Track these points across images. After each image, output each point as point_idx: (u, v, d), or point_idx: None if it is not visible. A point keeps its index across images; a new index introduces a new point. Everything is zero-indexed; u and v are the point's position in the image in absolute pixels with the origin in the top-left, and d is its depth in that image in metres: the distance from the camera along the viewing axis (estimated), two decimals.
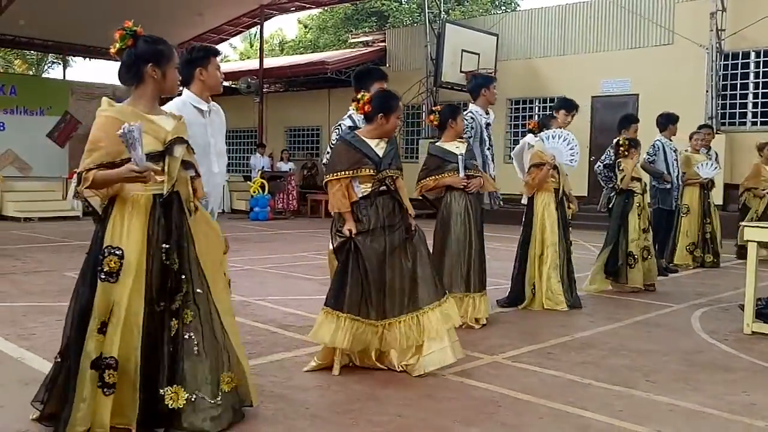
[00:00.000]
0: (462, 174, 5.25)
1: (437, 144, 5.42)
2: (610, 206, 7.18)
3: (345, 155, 4.10)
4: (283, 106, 21.26)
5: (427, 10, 17.22)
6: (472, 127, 5.67)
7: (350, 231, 4.01)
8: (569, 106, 6.62)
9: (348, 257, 3.99)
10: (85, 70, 37.93)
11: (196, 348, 3.03)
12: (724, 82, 13.67)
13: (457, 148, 5.32)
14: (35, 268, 7.96)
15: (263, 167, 17.33)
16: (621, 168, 7.03)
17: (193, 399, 3.00)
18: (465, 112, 5.72)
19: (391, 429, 3.22)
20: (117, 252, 2.96)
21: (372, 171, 4.05)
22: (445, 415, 3.42)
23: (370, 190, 4.07)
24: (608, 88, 15.16)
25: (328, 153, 4.92)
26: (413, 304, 4.05)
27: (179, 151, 3.08)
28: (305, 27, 31.89)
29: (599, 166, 7.52)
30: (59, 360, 3.09)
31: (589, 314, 5.91)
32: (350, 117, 4.94)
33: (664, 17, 14.40)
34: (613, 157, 7.38)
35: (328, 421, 3.31)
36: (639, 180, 7.11)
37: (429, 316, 4.01)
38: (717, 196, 10.57)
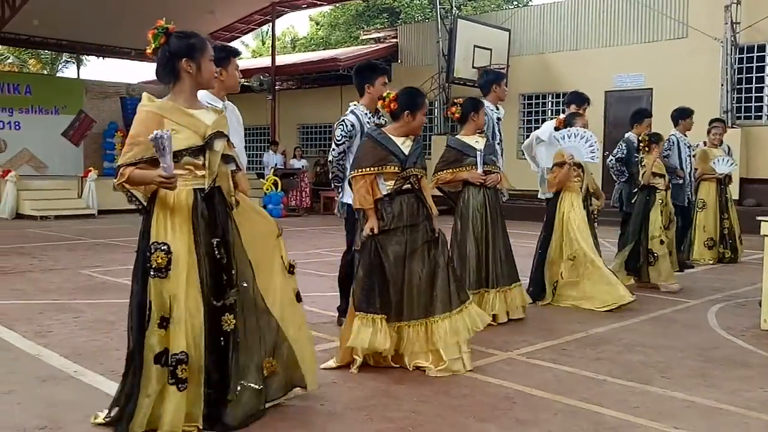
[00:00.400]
0: (480, 169, 5.22)
1: (457, 137, 5.40)
2: (633, 201, 7.08)
3: (371, 152, 4.06)
4: (296, 103, 21.30)
5: (438, 6, 17.17)
6: (484, 122, 5.67)
7: (371, 230, 3.99)
8: (580, 100, 6.59)
9: (371, 256, 3.98)
10: (99, 69, 38.31)
11: (238, 340, 3.10)
12: (739, 76, 13.54)
13: (477, 142, 5.29)
14: (51, 266, 8.03)
15: (276, 165, 17.38)
16: (643, 164, 6.95)
17: (238, 390, 3.08)
18: None
19: (406, 425, 3.22)
20: (163, 247, 2.97)
21: (397, 168, 4.02)
22: (460, 412, 3.41)
23: (394, 188, 4.04)
24: (622, 82, 15.06)
25: (333, 149, 4.94)
26: (425, 311, 4.01)
27: (219, 145, 3.10)
28: (317, 24, 31.93)
29: (611, 159, 7.50)
30: (127, 361, 3.10)
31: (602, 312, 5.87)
32: (353, 112, 4.95)
33: (678, 10, 14.27)
34: (625, 151, 7.34)
35: (344, 418, 3.32)
36: (662, 176, 7.00)
37: (438, 326, 3.98)
38: (732, 191, 10.47)
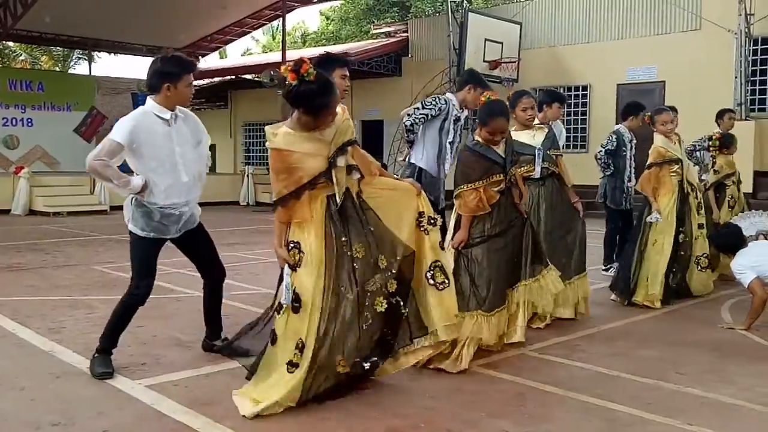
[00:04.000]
0: (538, 168, 5.14)
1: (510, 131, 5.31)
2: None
3: (475, 165, 4.19)
4: None
5: (449, 0, 17.09)
6: (440, 109, 5.22)
7: (461, 242, 4.16)
8: (561, 99, 6.14)
9: (472, 262, 4.16)
10: (111, 66, 38.44)
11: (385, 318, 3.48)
12: (753, 68, 13.42)
13: (534, 137, 5.18)
14: (64, 262, 8.07)
15: None
16: (715, 167, 7.16)
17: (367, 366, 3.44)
18: (440, 96, 5.37)
19: (418, 421, 3.21)
20: (297, 246, 3.30)
21: (501, 177, 4.20)
22: (473, 408, 3.40)
23: (500, 189, 4.22)
24: (634, 75, 14.95)
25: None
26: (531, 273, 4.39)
27: (342, 161, 3.33)
28: (327, 19, 31.86)
29: (600, 151, 7.08)
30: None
31: (617, 305, 5.84)
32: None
33: (691, 2, 14.15)
34: (615, 144, 6.91)
35: (356, 414, 3.31)
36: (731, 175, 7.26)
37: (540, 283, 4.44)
38: (746, 185, 10.37)
